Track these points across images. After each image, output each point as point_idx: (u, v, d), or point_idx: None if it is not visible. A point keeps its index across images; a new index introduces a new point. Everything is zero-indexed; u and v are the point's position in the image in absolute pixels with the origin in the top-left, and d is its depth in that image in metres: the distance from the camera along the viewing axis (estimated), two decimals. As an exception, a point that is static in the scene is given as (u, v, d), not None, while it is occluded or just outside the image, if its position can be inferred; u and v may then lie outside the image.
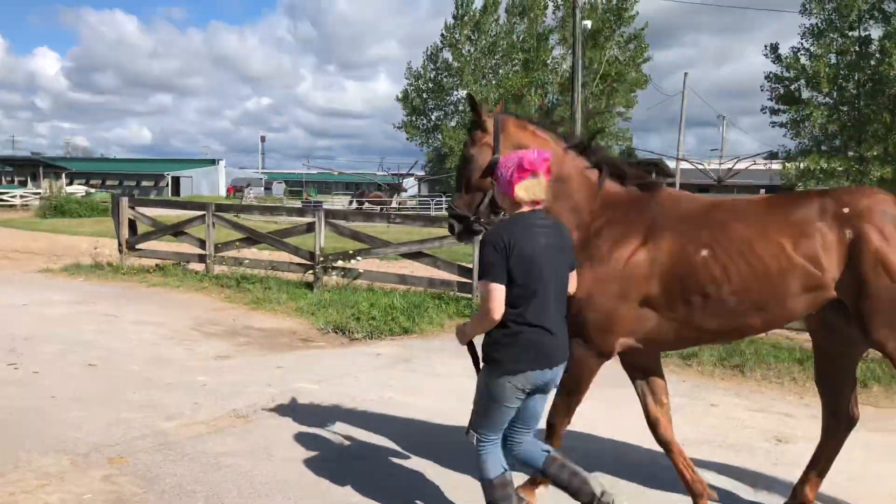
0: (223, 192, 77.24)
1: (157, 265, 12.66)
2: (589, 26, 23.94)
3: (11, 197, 46.96)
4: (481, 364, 3.34)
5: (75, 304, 9.88)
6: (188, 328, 8.61)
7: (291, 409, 5.54)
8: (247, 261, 11.70)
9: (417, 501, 4.05)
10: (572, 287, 3.41)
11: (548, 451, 3.43)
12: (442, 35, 33.49)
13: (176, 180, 75.49)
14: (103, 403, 5.55)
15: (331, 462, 4.50)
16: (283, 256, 12.06)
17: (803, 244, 3.40)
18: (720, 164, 44.78)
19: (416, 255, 10.33)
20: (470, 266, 9.53)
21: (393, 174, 55.15)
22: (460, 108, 34.15)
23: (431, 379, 6.57)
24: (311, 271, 10.87)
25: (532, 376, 3.18)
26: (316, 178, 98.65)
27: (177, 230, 12.53)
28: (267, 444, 4.79)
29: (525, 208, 3.24)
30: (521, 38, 32.27)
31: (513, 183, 3.20)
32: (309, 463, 4.48)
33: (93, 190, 60.57)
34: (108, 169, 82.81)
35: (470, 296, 9.52)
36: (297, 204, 52.94)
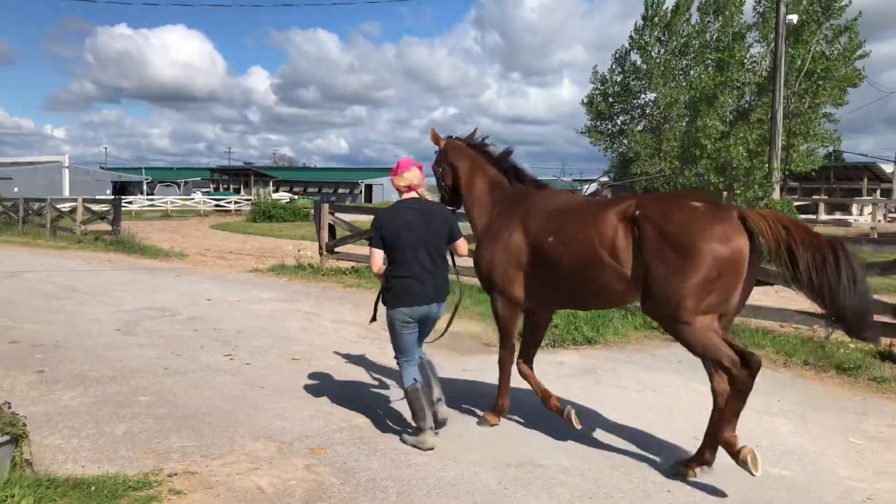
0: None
1: (352, 267, 13.42)
2: (794, 20, 22.16)
3: (227, 203, 52.06)
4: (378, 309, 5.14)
5: (281, 301, 10.72)
6: (380, 328, 8.99)
7: (478, 415, 5.63)
8: (434, 265, 12.09)
9: (604, 516, 3.95)
10: (462, 249, 5.06)
11: (416, 381, 4.80)
12: (630, 37, 32.56)
13: (369, 187, 79.63)
14: (305, 395, 5.97)
15: (512, 468, 4.52)
16: (468, 260, 12.33)
17: (605, 239, 4.37)
18: (948, 167, 39.81)
19: (601, 264, 10.12)
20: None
21: (575, 180, 54.55)
22: (647, 111, 32.99)
23: (618, 391, 6.40)
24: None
25: (406, 311, 4.71)
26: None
27: (370, 235, 13.21)
28: (454, 447, 4.89)
29: (404, 193, 4.91)
30: (714, 38, 30.63)
31: (392, 177, 4.98)
32: (493, 468, 4.52)
33: (296, 196, 65.48)
34: (309, 177, 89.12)
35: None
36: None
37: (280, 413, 5.48)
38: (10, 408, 4.12)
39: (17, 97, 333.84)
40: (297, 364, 7.08)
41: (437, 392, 4.93)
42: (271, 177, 75.18)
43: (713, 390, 4.35)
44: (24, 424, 3.99)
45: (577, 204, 4.93)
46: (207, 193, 63.71)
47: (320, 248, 13.78)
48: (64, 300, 10.47)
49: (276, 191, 69.83)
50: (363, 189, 78.97)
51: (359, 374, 6.75)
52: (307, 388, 6.22)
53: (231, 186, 74.88)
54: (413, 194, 4.91)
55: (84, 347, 7.42)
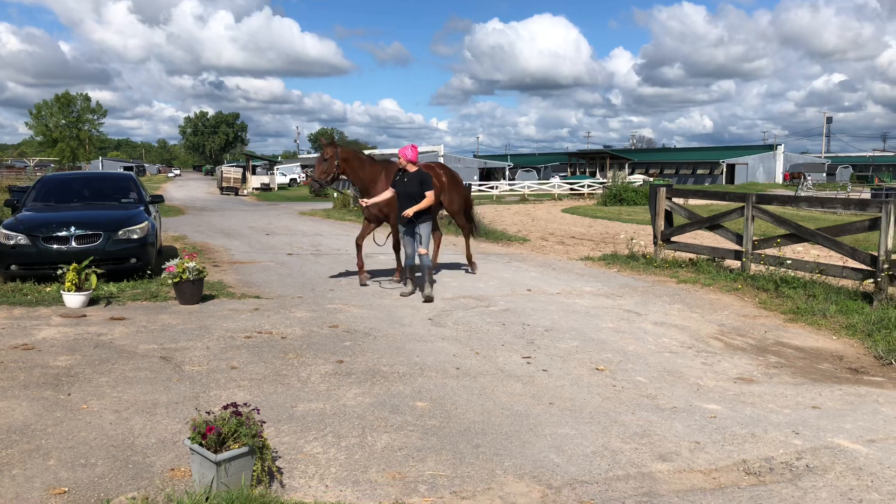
0: (779, 179, 72.82)
1: (689, 259, 11.90)
2: None
3: (580, 186, 52.32)
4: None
5: (602, 296, 9.78)
6: (710, 336, 7.61)
7: (818, 477, 4.11)
8: (789, 261, 10.03)
9: None
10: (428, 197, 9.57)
11: (415, 261, 9.68)
12: None
13: (731, 168, 74.09)
14: (596, 421, 5.00)
15: None
16: (835, 258, 10.03)
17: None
18: None
19: None
20: None
21: None
22: None
23: None
24: (871, 279, 8.68)
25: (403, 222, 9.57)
26: (892, 161, 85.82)
27: (712, 223, 11.53)
28: None
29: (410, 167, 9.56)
30: None
31: (411, 158, 9.54)
32: None
33: (650, 178, 63.51)
34: (666, 158, 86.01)
35: None
36: (864, 191, 46.26)
37: (559, 443, 4.59)
38: (258, 413, 3.90)
39: (410, 94, 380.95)
40: (598, 376, 6.11)
41: (425, 279, 9.46)
42: (627, 159, 73.98)
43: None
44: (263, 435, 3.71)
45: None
46: (564, 177, 64.92)
47: (655, 236, 12.45)
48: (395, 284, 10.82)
49: (632, 173, 68.44)
50: (724, 169, 73.63)
51: (669, 398, 5.53)
52: (601, 410, 5.23)
53: (587, 170, 75.40)
54: (411, 166, 9.53)
55: (390, 337, 7.37)
